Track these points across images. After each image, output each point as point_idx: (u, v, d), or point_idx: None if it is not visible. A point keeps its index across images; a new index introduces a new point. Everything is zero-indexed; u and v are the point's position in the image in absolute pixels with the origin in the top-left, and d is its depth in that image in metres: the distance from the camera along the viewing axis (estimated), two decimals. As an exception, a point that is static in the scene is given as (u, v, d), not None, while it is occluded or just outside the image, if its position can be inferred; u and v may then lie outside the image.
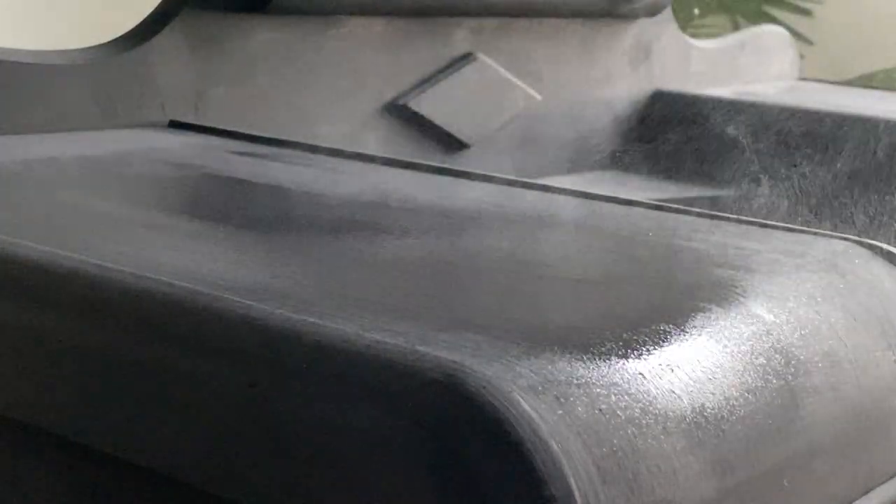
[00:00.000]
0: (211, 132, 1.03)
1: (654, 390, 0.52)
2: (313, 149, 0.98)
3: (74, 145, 0.93)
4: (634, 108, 1.53)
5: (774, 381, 0.57)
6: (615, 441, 0.48)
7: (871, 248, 0.72)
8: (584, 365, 0.51)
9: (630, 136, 1.52)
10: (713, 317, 0.59)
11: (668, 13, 1.54)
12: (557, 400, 0.48)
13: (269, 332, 0.52)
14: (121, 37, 1.05)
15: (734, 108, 1.52)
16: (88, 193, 0.79)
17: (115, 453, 0.57)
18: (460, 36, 1.29)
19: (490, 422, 0.46)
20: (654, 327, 0.56)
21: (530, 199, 0.83)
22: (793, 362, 0.59)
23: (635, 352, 0.53)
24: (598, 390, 0.50)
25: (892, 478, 0.65)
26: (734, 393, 0.55)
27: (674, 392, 0.52)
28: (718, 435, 0.53)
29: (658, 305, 0.60)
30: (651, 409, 0.51)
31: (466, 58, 1.30)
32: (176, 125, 1.05)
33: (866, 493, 0.62)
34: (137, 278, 0.58)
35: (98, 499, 0.60)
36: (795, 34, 2.33)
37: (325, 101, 1.18)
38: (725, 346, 0.57)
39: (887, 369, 0.65)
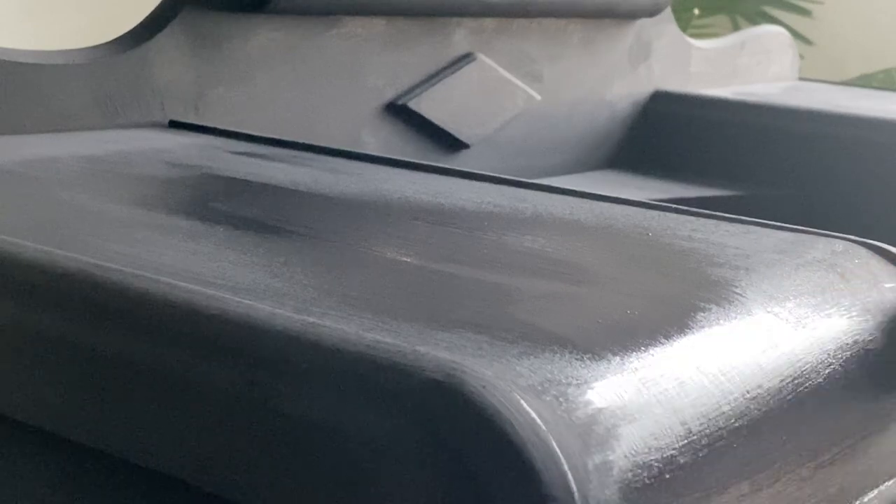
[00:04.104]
0: (211, 132, 1.03)
1: (653, 390, 0.52)
2: (313, 149, 0.98)
3: (74, 145, 0.93)
4: (634, 108, 1.53)
5: (774, 381, 0.57)
6: (615, 441, 0.48)
7: (871, 247, 0.72)
8: (583, 365, 0.51)
9: (630, 136, 1.52)
10: (713, 317, 0.59)
11: (668, 13, 1.54)
12: (557, 400, 0.48)
13: (269, 332, 0.52)
14: (121, 37, 1.05)
15: (734, 108, 1.52)
16: (88, 193, 0.79)
17: (115, 453, 0.57)
18: (460, 36, 1.29)
19: (490, 421, 0.46)
20: (653, 327, 0.56)
21: (530, 199, 0.83)
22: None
23: (635, 352, 0.53)
24: (598, 390, 0.50)
25: (892, 478, 0.65)
26: (734, 393, 0.55)
27: (673, 392, 0.52)
28: (718, 436, 0.53)
29: (657, 305, 0.60)
30: (651, 409, 0.51)
31: (466, 58, 1.30)
32: (176, 125, 1.05)
33: (867, 492, 0.62)
34: (137, 278, 0.58)
35: (97, 499, 0.60)
36: (795, 34, 2.33)
37: (325, 101, 1.18)
38: (725, 347, 0.57)
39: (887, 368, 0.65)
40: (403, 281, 0.63)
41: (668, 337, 0.55)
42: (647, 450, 0.49)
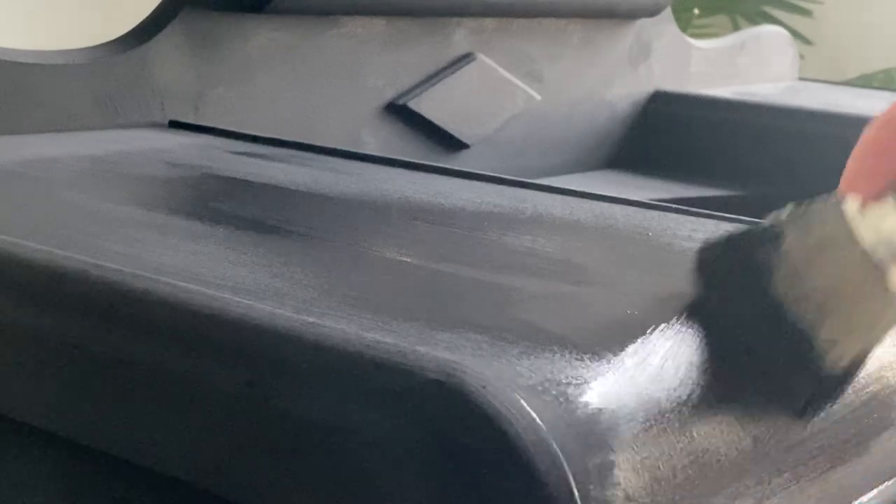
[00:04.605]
0: (211, 132, 1.03)
1: (654, 390, 0.52)
2: (313, 149, 0.98)
3: (74, 145, 0.94)
4: (634, 108, 1.53)
5: (774, 381, 0.57)
6: (615, 441, 0.48)
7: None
8: (583, 365, 0.51)
9: (630, 136, 1.52)
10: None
11: (668, 13, 1.54)
12: (557, 400, 0.48)
13: (269, 332, 0.52)
14: (121, 37, 1.05)
15: (734, 108, 1.52)
16: (88, 193, 0.79)
17: (115, 453, 0.57)
18: (460, 36, 1.29)
19: (490, 422, 0.46)
20: (653, 327, 0.56)
21: (530, 200, 0.83)
22: (793, 362, 0.59)
23: (635, 351, 0.53)
24: (598, 390, 0.50)
25: (892, 478, 0.65)
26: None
27: (674, 392, 0.52)
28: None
29: (658, 305, 0.60)
30: (651, 409, 0.51)
31: (466, 58, 1.30)
32: (176, 125, 1.05)
33: (867, 491, 0.62)
34: (137, 278, 0.58)
35: (97, 499, 0.60)
36: (795, 34, 2.33)
37: (325, 101, 1.18)
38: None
39: (888, 367, 0.65)
40: (403, 281, 0.63)
41: (667, 337, 0.55)
42: (647, 450, 0.49)
